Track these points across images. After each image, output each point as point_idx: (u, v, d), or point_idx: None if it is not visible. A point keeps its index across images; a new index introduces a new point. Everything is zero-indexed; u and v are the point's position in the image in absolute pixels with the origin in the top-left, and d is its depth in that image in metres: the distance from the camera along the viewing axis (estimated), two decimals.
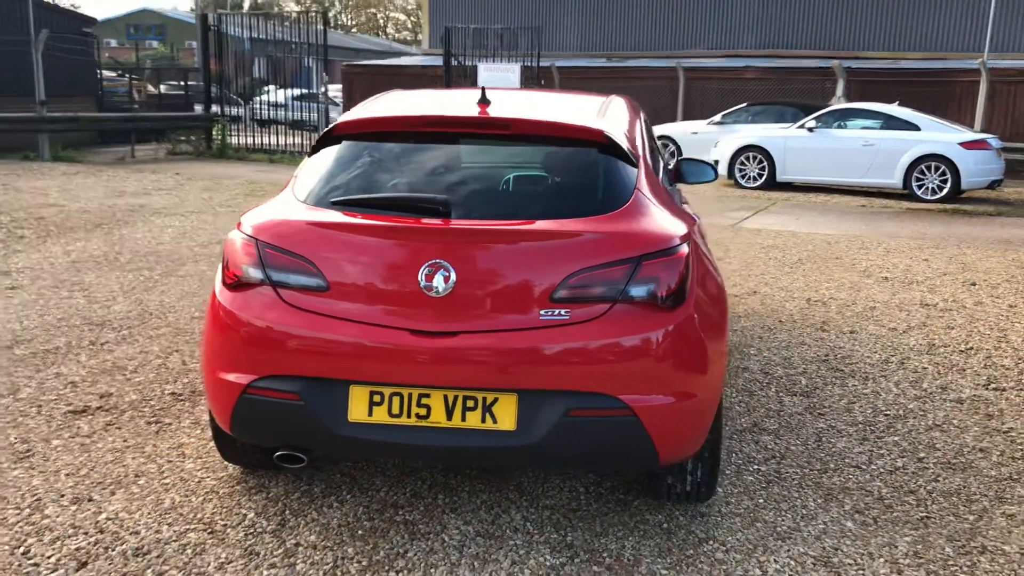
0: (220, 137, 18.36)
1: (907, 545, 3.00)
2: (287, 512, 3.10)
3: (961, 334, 5.66)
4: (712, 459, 3.06)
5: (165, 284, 6.54)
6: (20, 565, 2.73)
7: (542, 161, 3.39)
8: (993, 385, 4.69)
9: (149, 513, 3.07)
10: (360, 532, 2.99)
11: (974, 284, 7.21)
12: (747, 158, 14.48)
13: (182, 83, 26.58)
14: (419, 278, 2.63)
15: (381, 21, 70.16)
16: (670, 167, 4.39)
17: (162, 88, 27.50)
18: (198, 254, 7.72)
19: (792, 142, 14.13)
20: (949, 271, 7.77)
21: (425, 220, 2.77)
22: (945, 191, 12.96)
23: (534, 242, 2.74)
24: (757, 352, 5.18)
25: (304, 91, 20.51)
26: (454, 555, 2.86)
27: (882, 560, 2.90)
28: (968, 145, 12.87)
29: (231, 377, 2.77)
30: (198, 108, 20.37)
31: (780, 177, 14.23)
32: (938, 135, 13.15)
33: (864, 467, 3.63)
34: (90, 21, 22.42)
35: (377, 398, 2.67)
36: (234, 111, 19.73)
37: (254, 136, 18.82)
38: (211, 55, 18.56)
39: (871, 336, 5.57)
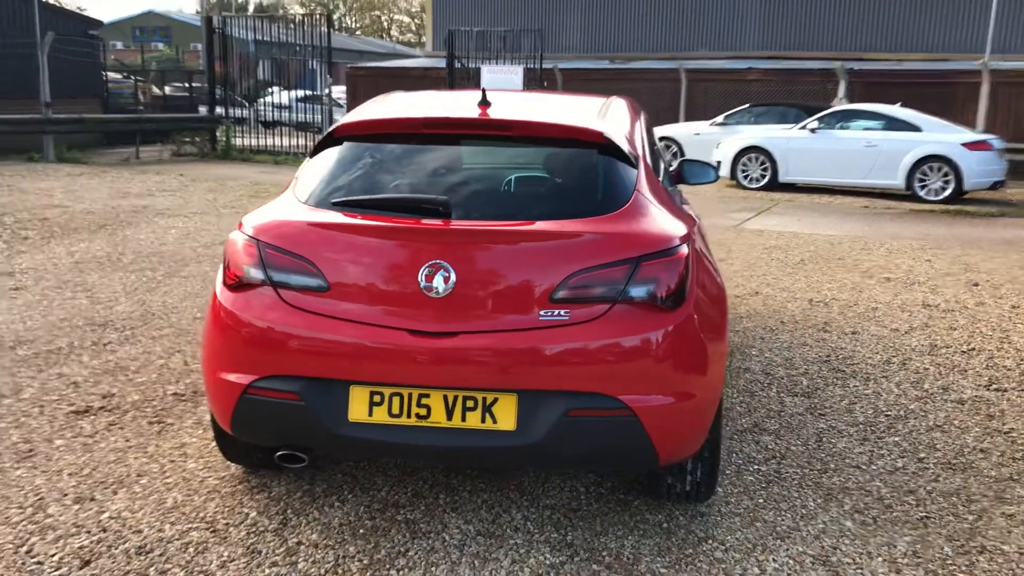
0: (224, 138, 18.42)
1: (906, 545, 3.01)
2: (289, 511, 3.12)
3: (963, 335, 5.66)
4: (712, 459, 3.07)
5: (168, 285, 6.56)
6: (24, 563, 2.75)
7: (542, 162, 3.40)
8: (995, 386, 4.69)
9: (151, 512, 3.09)
10: (361, 531, 3.00)
11: (976, 285, 7.21)
12: (749, 159, 14.49)
13: (187, 85, 26.67)
14: (419, 278, 2.65)
15: (385, 23, 70.26)
16: (672, 168, 4.40)
17: (167, 90, 27.58)
18: (201, 255, 7.74)
19: (794, 143, 14.13)
20: (951, 272, 7.77)
21: (425, 221, 2.78)
22: (948, 192, 12.96)
23: (533, 243, 2.75)
24: (759, 353, 5.19)
25: (308, 93, 20.54)
26: (455, 554, 2.87)
27: (881, 559, 2.91)
28: (970, 146, 12.87)
29: (232, 377, 2.79)
30: (202, 110, 20.43)
31: (782, 178, 14.24)
32: (940, 136, 13.15)
33: (864, 467, 3.63)
34: (96, 23, 22.52)
35: (377, 398, 2.68)
36: (238, 113, 19.78)
37: (258, 138, 18.87)
38: (216, 57, 18.61)
39: (873, 337, 5.57)
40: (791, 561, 2.88)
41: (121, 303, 5.99)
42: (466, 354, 2.64)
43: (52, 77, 16.62)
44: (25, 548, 2.84)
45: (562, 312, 2.65)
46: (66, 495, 3.20)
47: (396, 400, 2.68)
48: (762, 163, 14.36)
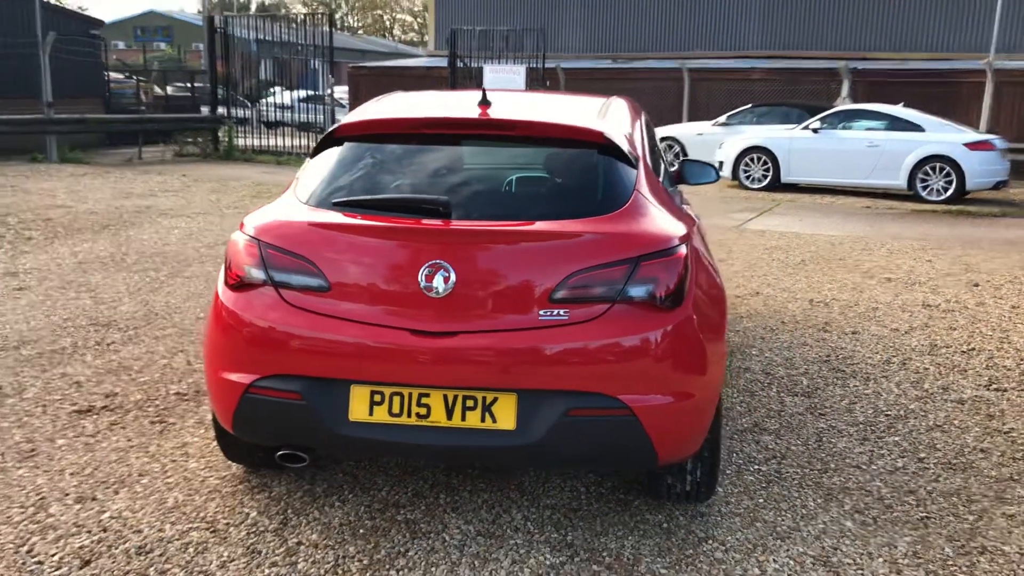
0: (227, 139, 18.43)
1: (906, 545, 3.01)
2: (289, 511, 3.13)
3: (963, 335, 5.66)
4: (712, 459, 3.08)
5: (171, 285, 6.57)
6: (24, 563, 2.76)
7: (542, 162, 3.41)
8: (995, 386, 4.69)
9: (152, 512, 3.10)
10: (361, 531, 3.01)
11: (977, 285, 7.21)
12: (752, 159, 14.48)
13: (189, 85, 26.68)
14: (419, 278, 2.66)
15: (387, 23, 70.29)
16: (672, 168, 4.40)
17: (169, 90, 27.58)
18: (204, 255, 7.76)
19: (797, 143, 14.12)
20: (952, 272, 7.76)
21: (425, 221, 2.79)
22: (950, 192, 12.95)
23: (533, 243, 2.76)
24: (759, 352, 5.19)
25: (310, 93, 20.56)
26: (455, 554, 2.88)
27: (881, 560, 2.91)
28: (973, 146, 12.85)
29: (233, 377, 2.80)
30: (205, 110, 20.44)
31: (785, 178, 14.23)
32: (943, 136, 13.13)
33: (864, 467, 3.63)
34: (97, 23, 22.53)
35: (378, 398, 2.69)
36: (241, 113, 19.79)
37: (261, 138, 18.89)
38: (218, 57, 18.62)
39: (873, 337, 5.57)
40: (791, 562, 2.88)
41: (124, 303, 6.00)
42: (466, 354, 2.64)
43: (54, 77, 16.64)
44: (26, 548, 2.85)
45: (561, 312, 2.66)
46: (67, 495, 3.21)
47: (396, 400, 2.68)
48: (764, 163, 14.35)
